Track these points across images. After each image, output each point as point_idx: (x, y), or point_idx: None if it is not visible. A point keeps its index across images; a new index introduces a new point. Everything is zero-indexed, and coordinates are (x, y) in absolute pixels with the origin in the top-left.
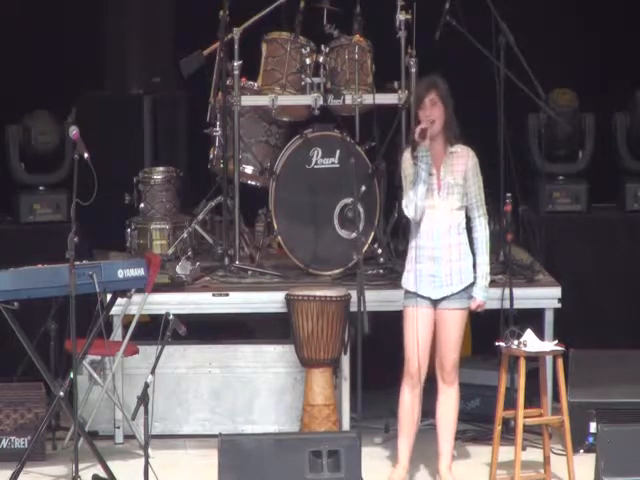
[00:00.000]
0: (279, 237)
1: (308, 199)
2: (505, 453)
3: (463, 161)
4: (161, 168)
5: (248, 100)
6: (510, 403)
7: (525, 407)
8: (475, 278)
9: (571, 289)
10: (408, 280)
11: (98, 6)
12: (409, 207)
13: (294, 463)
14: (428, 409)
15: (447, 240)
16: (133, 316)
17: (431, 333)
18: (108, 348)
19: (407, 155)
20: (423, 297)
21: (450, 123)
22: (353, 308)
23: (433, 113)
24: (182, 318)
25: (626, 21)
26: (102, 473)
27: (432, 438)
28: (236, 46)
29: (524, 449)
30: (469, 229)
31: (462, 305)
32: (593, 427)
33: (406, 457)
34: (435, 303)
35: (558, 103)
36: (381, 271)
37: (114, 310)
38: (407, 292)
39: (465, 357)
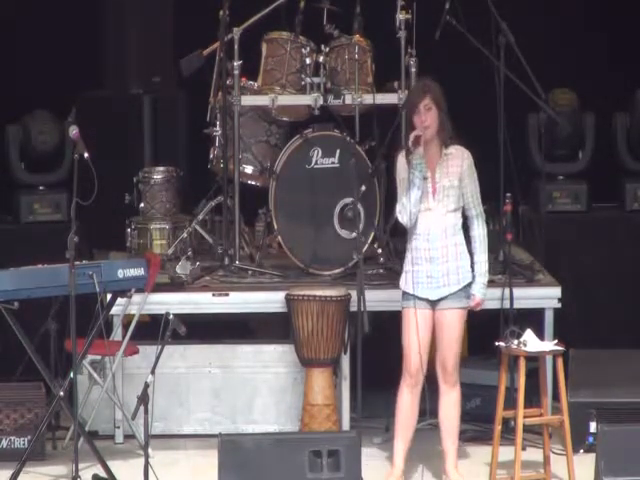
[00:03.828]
0: (279, 237)
1: (308, 199)
2: (505, 453)
3: (458, 162)
4: (161, 168)
5: (248, 100)
6: (510, 403)
7: (525, 407)
8: (473, 277)
9: (571, 289)
10: (406, 282)
11: (98, 6)
12: (402, 214)
13: (294, 463)
14: (429, 409)
15: (443, 241)
16: (133, 316)
17: (430, 334)
18: (108, 348)
19: (401, 159)
20: (421, 298)
21: (444, 125)
22: (353, 308)
23: (428, 118)
24: (182, 318)
25: (626, 21)
26: (102, 473)
27: (433, 438)
28: (236, 46)
29: (524, 449)
30: (466, 228)
31: (461, 305)
32: (593, 427)
33: (402, 459)
34: (433, 304)
35: (558, 103)
36: (381, 271)
37: (114, 310)
38: (405, 294)
39: (465, 357)
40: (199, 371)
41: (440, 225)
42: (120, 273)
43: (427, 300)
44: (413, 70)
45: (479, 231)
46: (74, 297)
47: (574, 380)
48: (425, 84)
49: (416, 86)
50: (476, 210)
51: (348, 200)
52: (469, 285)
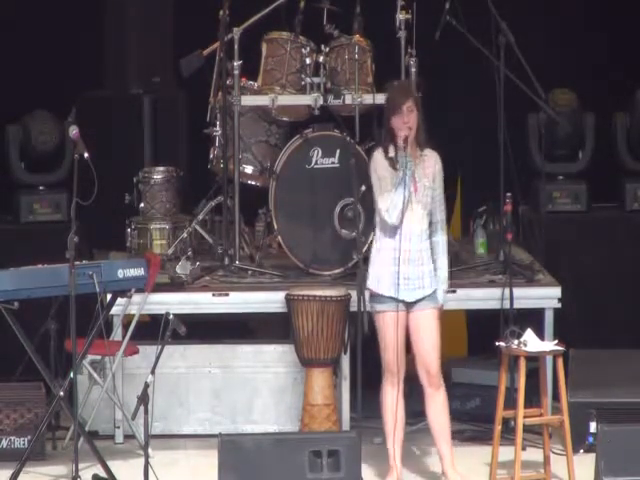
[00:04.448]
0: (279, 237)
1: (308, 199)
2: (505, 453)
3: (432, 164)
4: (161, 168)
5: (248, 100)
6: (510, 403)
7: (525, 407)
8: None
9: (571, 289)
10: (380, 283)
11: (98, 6)
12: (391, 212)
13: (294, 463)
14: (422, 410)
15: (419, 243)
16: (133, 316)
17: (404, 335)
18: (108, 348)
19: (379, 156)
20: (397, 300)
21: (420, 128)
22: (353, 308)
23: (410, 120)
24: (182, 318)
25: (626, 21)
26: (102, 473)
27: (430, 439)
28: (236, 46)
29: (524, 449)
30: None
31: (435, 304)
32: (593, 427)
33: (398, 459)
34: (408, 306)
35: (558, 103)
36: None
37: (114, 310)
38: (379, 295)
39: (465, 357)
40: (199, 371)
41: (420, 227)
42: (120, 273)
43: (403, 302)
44: (413, 70)
45: (442, 237)
46: (74, 297)
47: (574, 380)
48: (408, 87)
49: (398, 88)
50: (440, 215)
51: (348, 200)
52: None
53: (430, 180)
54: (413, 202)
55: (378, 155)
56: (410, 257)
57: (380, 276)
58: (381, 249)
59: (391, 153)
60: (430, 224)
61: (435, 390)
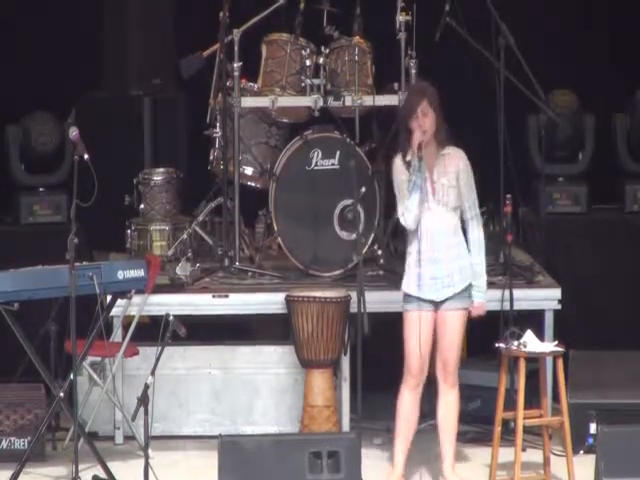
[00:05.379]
0: (279, 238)
1: (308, 200)
2: (505, 454)
3: (455, 162)
4: (161, 169)
5: (248, 101)
6: (510, 404)
7: (525, 408)
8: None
9: (571, 290)
10: (409, 284)
11: (98, 6)
12: (406, 216)
13: (294, 464)
14: (430, 410)
15: (445, 241)
16: (133, 317)
17: (431, 336)
18: (108, 349)
19: (398, 162)
20: (425, 300)
21: (440, 127)
22: (353, 309)
23: (425, 123)
24: (182, 319)
25: (626, 21)
26: (102, 474)
27: (434, 439)
28: (236, 47)
29: (524, 450)
30: (463, 231)
31: (464, 305)
32: (593, 428)
33: (403, 460)
34: (437, 305)
35: (558, 104)
36: (381, 272)
37: (114, 311)
38: (408, 295)
39: (464, 358)
40: (199, 372)
41: (441, 225)
42: (120, 274)
43: (431, 301)
44: (413, 72)
45: (476, 234)
46: (74, 298)
47: (574, 381)
48: (421, 88)
49: (412, 90)
50: (472, 212)
51: (348, 201)
52: (471, 285)
53: (452, 179)
54: (431, 202)
55: (397, 161)
56: (435, 257)
57: (409, 278)
58: (409, 252)
59: (409, 157)
60: (462, 221)
61: (449, 388)
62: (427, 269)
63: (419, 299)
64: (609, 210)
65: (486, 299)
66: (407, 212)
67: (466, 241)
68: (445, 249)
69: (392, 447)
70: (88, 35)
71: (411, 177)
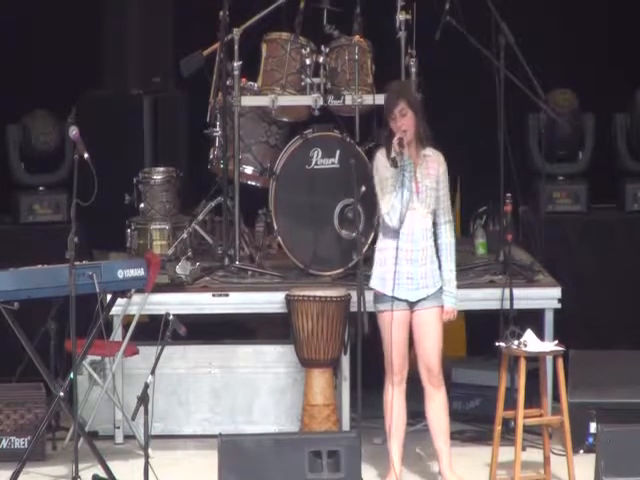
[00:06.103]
0: (279, 237)
1: (308, 199)
2: (505, 453)
3: (435, 165)
4: (161, 168)
5: (248, 100)
6: (510, 403)
7: (525, 407)
8: (442, 285)
9: (571, 289)
10: (384, 283)
11: (98, 6)
12: (392, 215)
13: (294, 463)
14: (422, 410)
15: (422, 242)
16: (133, 316)
17: (407, 334)
18: (108, 348)
19: (381, 158)
20: (400, 299)
21: (421, 127)
22: (353, 308)
23: (404, 123)
24: (182, 318)
25: (627, 21)
26: (102, 473)
27: (430, 439)
28: (236, 46)
29: (524, 449)
30: (435, 235)
31: (439, 303)
32: (593, 427)
33: (398, 459)
34: (411, 305)
35: (558, 103)
36: None
37: (114, 310)
38: (381, 295)
39: (465, 357)
40: (199, 371)
41: (422, 226)
42: (120, 273)
43: (406, 301)
44: (413, 70)
45: (448, 239)
46: (74, 297)
47: (574, 380)
48: (398, 90)
49: (390, 91)
50: (446, 217)
51: (348, 201)
52: (441, 288)
53: (433, 181)
54: (415, 202)
55: (380, 156)
56: (413, 257)
57: (384, 276)
58: (383, 249)
59: (393, 153)
60: (435, 225)
61: (435, 389)
62: (404, 268)
63: (393, 298)
64: (609, 209)
65: (456, 305)
66: (393, 211)
67: (435, 246)
68: (422, 250)
69: (385, 447)
70: (88, 35)
71: (398, 176)
